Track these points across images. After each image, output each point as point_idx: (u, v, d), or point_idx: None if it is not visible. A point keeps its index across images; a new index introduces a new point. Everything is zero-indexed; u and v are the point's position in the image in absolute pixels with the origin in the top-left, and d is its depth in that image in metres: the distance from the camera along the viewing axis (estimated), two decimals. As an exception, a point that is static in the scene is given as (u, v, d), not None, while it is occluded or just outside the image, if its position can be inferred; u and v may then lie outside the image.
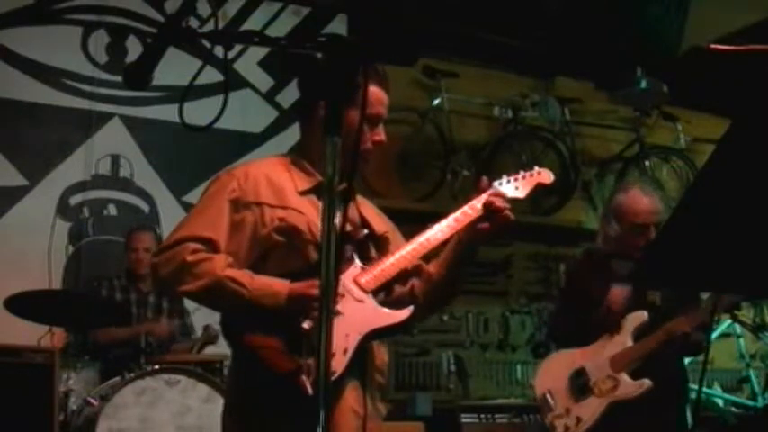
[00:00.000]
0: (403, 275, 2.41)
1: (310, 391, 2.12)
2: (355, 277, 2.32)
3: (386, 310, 2.31)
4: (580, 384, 3.50)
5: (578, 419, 3.45)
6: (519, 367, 6.70)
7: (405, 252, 2.38)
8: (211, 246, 2.28)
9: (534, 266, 7.00)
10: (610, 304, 3.50)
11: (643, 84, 6.52)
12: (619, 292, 3.47)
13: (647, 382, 3.33)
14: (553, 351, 3.95)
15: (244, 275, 2.25)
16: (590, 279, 3.62)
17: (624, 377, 3.39)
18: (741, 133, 1.39)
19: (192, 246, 2.27)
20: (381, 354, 2.42)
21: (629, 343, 3.42)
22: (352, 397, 2.29)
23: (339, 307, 2.23)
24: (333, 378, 2.04)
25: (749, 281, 1.66)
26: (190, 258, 2.25)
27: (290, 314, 2.21)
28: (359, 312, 2.27)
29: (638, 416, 3.34)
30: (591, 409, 3.43)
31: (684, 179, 7.13)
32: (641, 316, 3.42)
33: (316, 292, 2.17)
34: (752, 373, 6.35)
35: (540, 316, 6.87)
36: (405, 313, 2.30)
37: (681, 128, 7.36)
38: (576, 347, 3.57)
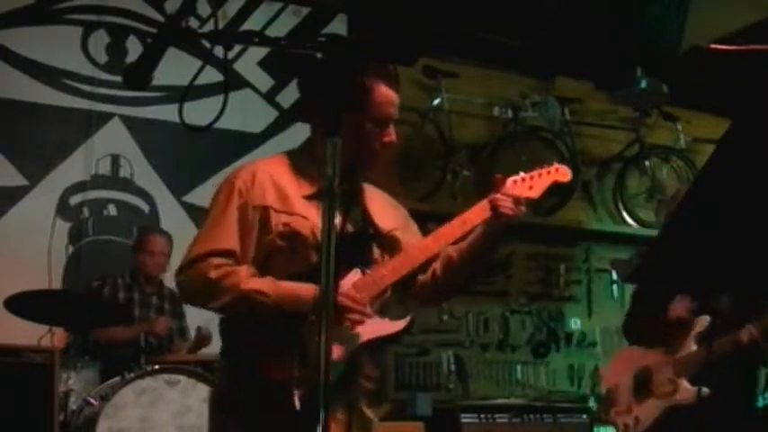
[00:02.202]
0: (405, 279, 2.39)
1: (298, 405, 2.13)
2: (355, 284, 2.31)
3: (381, 320, 2.31)
4: (643, 384, 3.47)
5: (637, 419, 3.43)
6: (519, 367, 6.70)
7: (407, 255, 2.38)
8: (232, 256, 2.29)
9: (534, 266, 6.99)
10: (677, 307, 3.44)
11: (643, 84, 6.50)
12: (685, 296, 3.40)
13: (704, 391, 3.23)
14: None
15: (265, 284, 2.24)
16: None
17: (684, 382, 3.34)
18: (741, 133, 1.39)
19: (215, 261, 2.27)
20: (370, 362, 2.40)
21: (693, 347, 3.38)
22: (336, 405, 2.26)
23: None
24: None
25: (749, 281, 1.66)
26: (213, 275, 2.25)
27: (295, 320, 2.20)
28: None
29: (696, 425, 3.26)
30: (649, 410, 3.40)
31: (684, 179, 7.12)
32: (704, 321, 3.38)
33: (342, 300, 2.19)
34: (752, 373, 6.34)
35: (539, 316, 6.87)
36: (400, 324, 2.31)
37: (681, 128, 7.35)
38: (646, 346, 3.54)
